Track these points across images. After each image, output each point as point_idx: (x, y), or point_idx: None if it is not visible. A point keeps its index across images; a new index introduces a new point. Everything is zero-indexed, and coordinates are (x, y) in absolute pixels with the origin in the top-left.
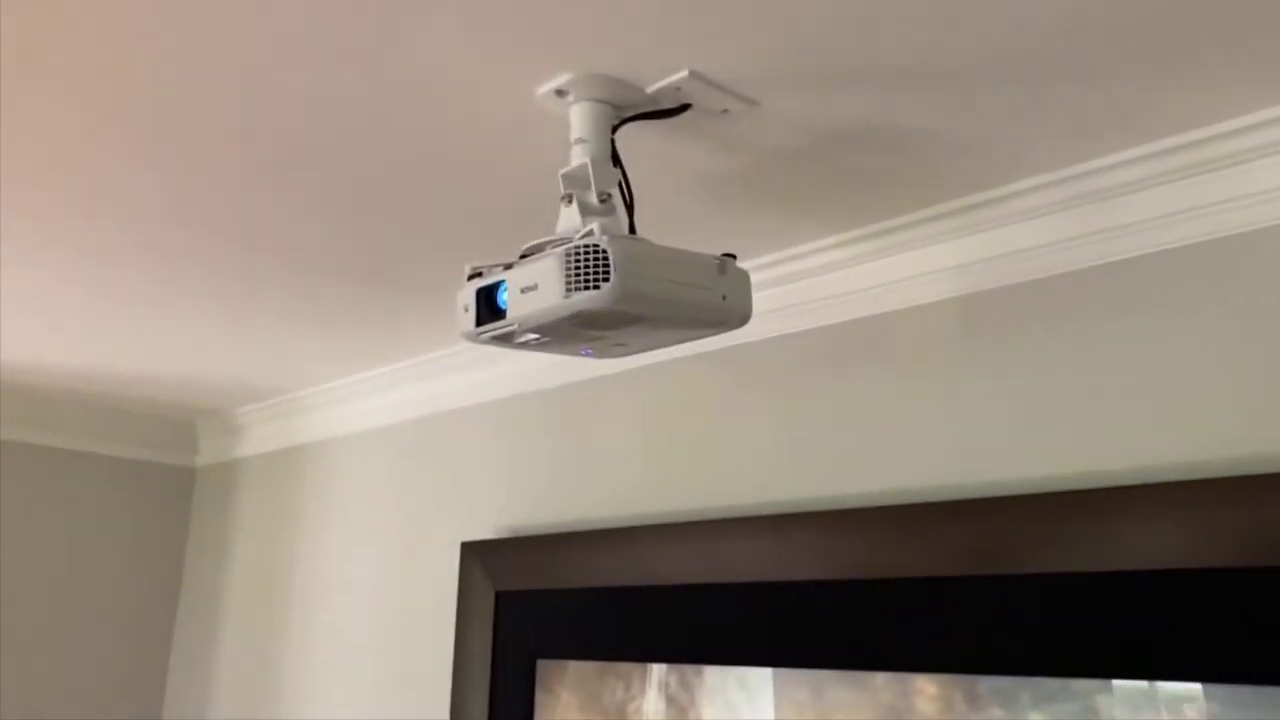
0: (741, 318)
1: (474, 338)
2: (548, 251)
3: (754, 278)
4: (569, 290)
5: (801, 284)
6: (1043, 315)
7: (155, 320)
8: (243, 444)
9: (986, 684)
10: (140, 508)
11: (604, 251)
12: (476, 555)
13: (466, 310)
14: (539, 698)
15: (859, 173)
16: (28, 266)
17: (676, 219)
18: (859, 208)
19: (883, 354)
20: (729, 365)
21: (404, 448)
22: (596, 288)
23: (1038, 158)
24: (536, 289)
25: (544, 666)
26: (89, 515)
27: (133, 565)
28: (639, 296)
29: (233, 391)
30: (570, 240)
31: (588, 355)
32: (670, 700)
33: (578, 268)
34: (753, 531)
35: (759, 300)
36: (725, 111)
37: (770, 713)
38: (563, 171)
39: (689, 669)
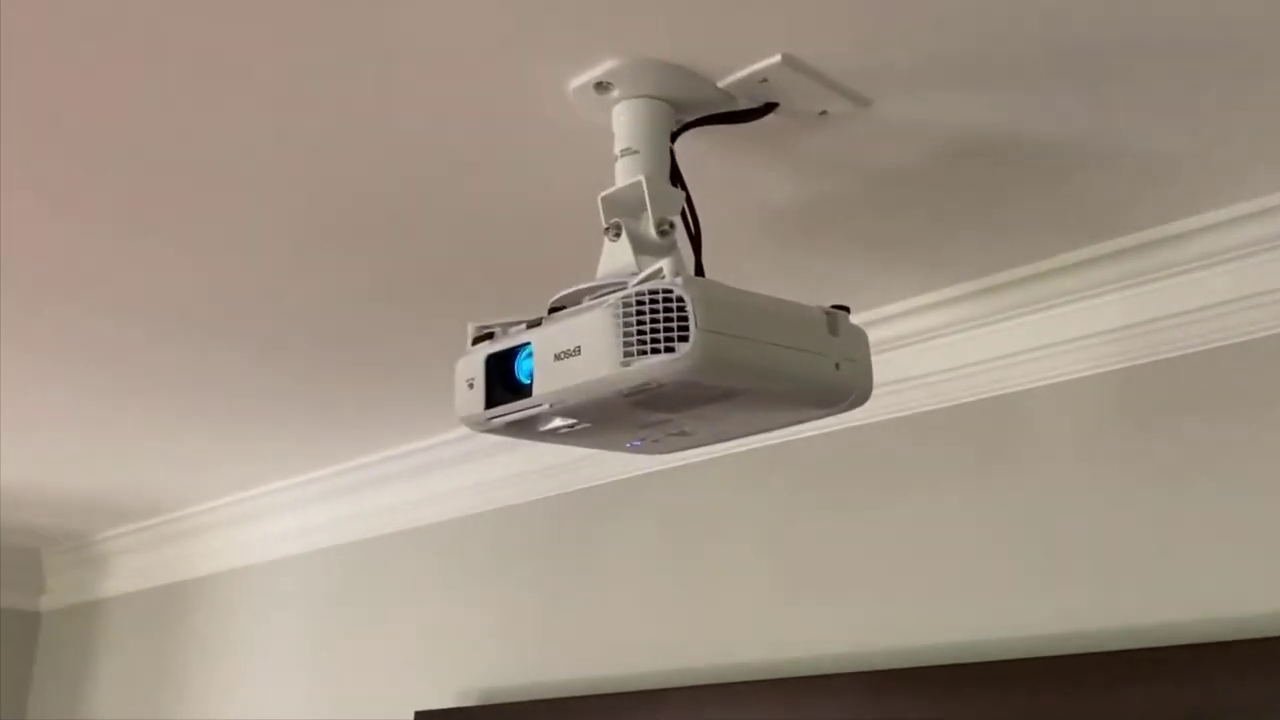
0: (860, 395)
1: (481, 424)
2: (591, 303)
3: None
4: (629, 355)
5: (895, 354)
6: (1235, 396)
7: None
8: (105, 579)
9: None
10: None
11: (679, 300)
12: None
13: (471, 386)
14: None
15: (997, 199)
16: None
17: (737, 263)
18: (984, 250)
19: (1008, 450)
20: (781, 467)
21: (331, 583)
22: (670, 350)
23: (1248, 179)
24: (579, 354)
25: None
26: None
27: None
28: (729, 364)
29: (92, 510)
30: (625, 285)
31: (635, 450)
32: None
33: (643, 324)
34: (831, 693)
35: None
36: (824, 114)
37: None
38: (605, 193)
39: None
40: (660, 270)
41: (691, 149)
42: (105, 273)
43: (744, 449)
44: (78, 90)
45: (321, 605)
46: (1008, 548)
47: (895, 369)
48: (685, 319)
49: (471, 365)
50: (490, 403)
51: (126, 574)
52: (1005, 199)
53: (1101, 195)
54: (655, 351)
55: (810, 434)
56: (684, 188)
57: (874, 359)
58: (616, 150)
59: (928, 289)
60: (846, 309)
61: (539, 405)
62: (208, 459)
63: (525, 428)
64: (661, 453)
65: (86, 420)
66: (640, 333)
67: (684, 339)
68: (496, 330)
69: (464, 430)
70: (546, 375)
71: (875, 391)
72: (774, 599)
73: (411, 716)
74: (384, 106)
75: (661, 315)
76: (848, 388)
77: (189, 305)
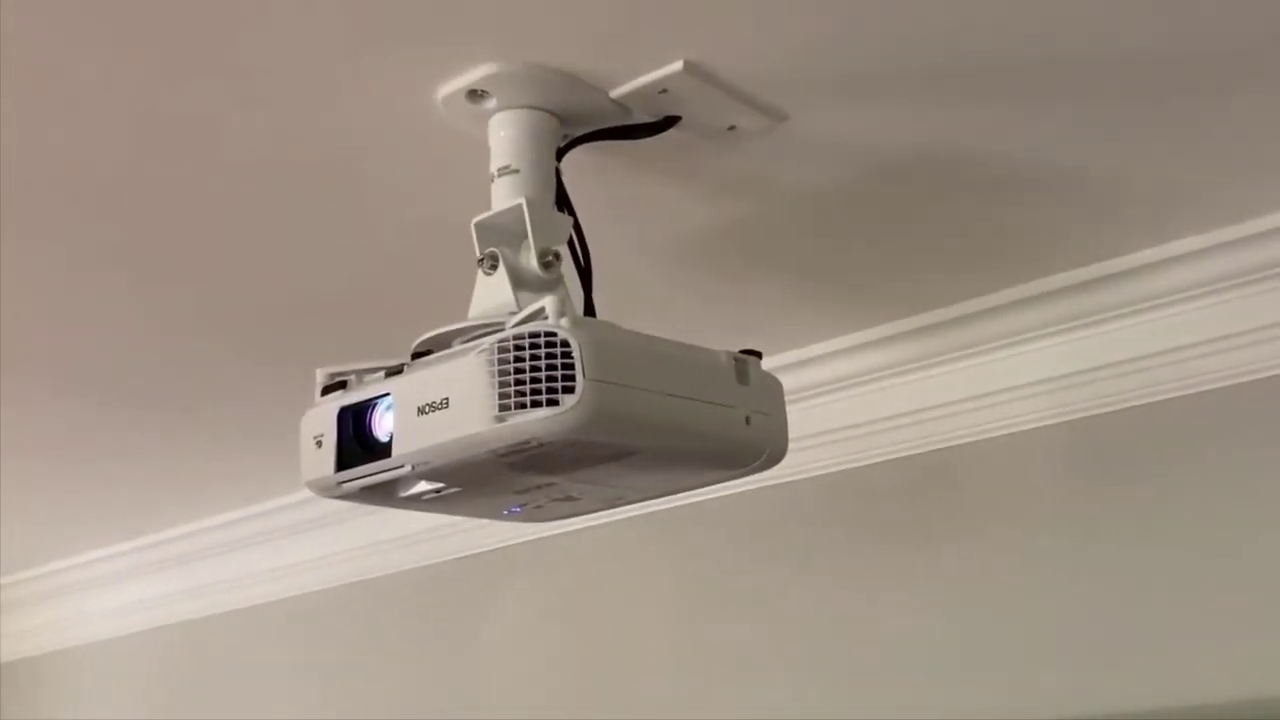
0: (775, 452)
1: (331, 489)
2: (462, 347)
3: None
4: (505, 408)
5: (822, 401)
6: (1193, 447)
7: None
8: None
9: None
10: None
11: (564, 344)
12: None
13: (320, 444)
14: None
15: (930, 228)
16: None
17: (634, 299)
18: (920, 285)
19: (944, 507)
20: (685, 533)
21: (164, 667)
22: (553, 403)
23: (1202, 207)
24: (446, 407)
25: None
26: None
27: None
28: (622, 420)
29: None
30: (501, 327)
31: (513, 517)
32: None
33: (521, 372)
34: None
35: None
36: (733, 129)
37: None
38: (479, 219)
39: None
40: (542, 309)
41: (581, 168)
42: None
43: (643, 511)
44: None
45: (152, 693)
46: (941, 623)
47: (816, 420)
48: (571, 367)
49: (320, 420)
50: (342, 464)
51: None
52: (939, 228)
53: (1044, 225)
54: (536, 405)
55: (720, 494)
56: (571, 213)
57: (791, 410)
58: (493, 169)
59: (851, 329)
60: (758, 354)
61: (399, 467)
62: (23, 521)
63: (383, 493)
64: (544, 520)
65: None
66: (518, 383)
67: (569, 390)
68: (350, 379)
69: (304, 496)
70: (408, 432)
71: (793, 447)
72: (678, 685)
73: None
74: (219, 123)
75: (544, 362)
76: (760, 444)
77: (22, 360)
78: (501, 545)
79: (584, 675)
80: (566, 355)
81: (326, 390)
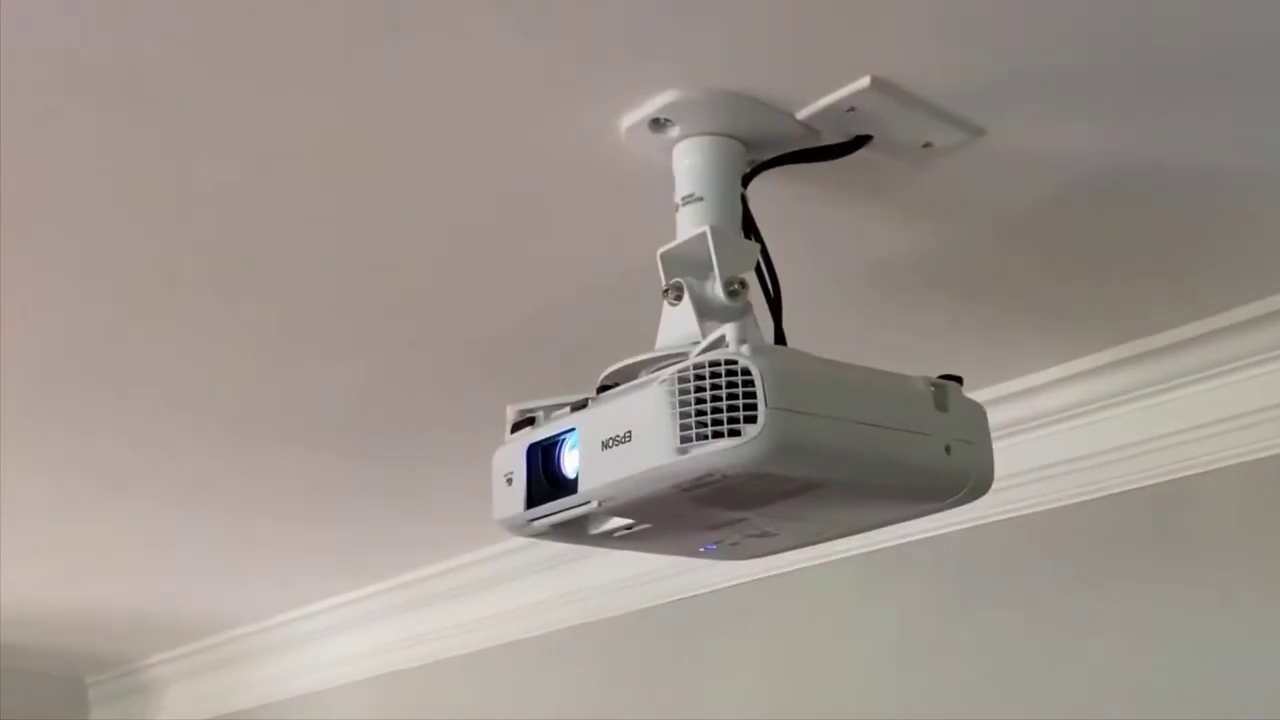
0: (980, 483)
1: (522, 527)
2: (645, 378)
3: None
4: (687, 440)
5: (1042, 434)
6: None
7: (19, 532)
8: (154, 710)
9: None
10: None
11: (745, 372)
12: None
13: (510, 481)
14: None
15: (1149, 243)
16: None
17: (830, 330)
18: (1140, 307)
19: (1181, 548)
20: (910, 570)
21: (401, 710)
22: (735, 434)
23: None
24: (629, 441)
25: None
26: None
27: None
28: (809, 451)
29: (138, 633)
30: (685, 357)
31: (709, 554)
32: None
33: (702, 402)
34: None
35: None
36: (928, 146)
37: None
38: (665, 249)
39: None
40: (723, 337)
41: (770, 195)
42: (144, 374)
43: (859, 551)
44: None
45: None
46: (1177, 665)
47: (1036, 454)
48: (753, 395)
49: (510, 457)
50: (532, 501)
51: (177, 704)
52: (1154, 245)
53: (1271, 238)
54: (717, 435)
55: (938, 531)
56: (759, 240)
57: (1009, 443)
58: (678, 198)
59: (1070, 356)
60: (959, 379)
61: (586, 503)
62: (259, 575)
63: (575, 530)
64: (742, 558)
65: (128, 537)
66: (699, 413)
67: (751, 420)
68: (539, 415)
69: (524, 541)
70: (593, 467)
71: (1012, 483)
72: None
73: None
74: (408, 171)
75: (724, 391)
76: (963, 474)
77: (234, 409)
78: (721, 587)
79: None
80: (748, 384)
81: (516, 427)
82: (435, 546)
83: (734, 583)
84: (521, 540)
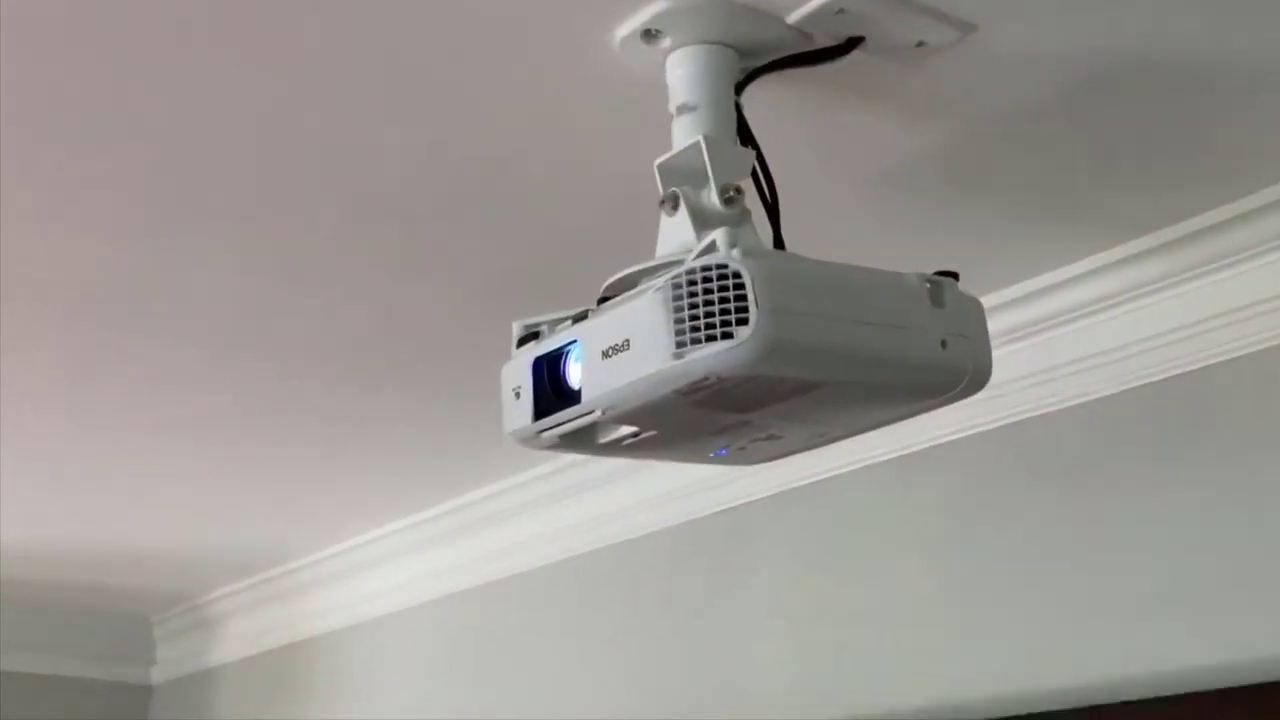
0: (976, 378)
1: (531, 439)
2: (642, 286)
3: None
4: (682, 345)
5: (1055, 334)
6: None
7: (83, 476)
8: (217, 644)
9: None
10: None
11: (735, 275)
12: None
13: (518, 395)
14: None
15: (1141, 139)
16: None
17: (832, 235)
18: (1145, 200)
19: (1201, 440)
20: (938, 473)
21: (453, 634)
22: (728, 336)
23: None
24: (628, 349)
25: None
26: None
27: None
28: (799, 349)
29: (199, 569)
30: (679, 264)
31: (719, 459)
32: None
33: (695, 306)
34: None
35: None
36: (921, 45)
37: None
38: (661, 160)
39: None
40: (714, 243)
41: (766, 101)
42: (189, 319)
43: (889, 456)
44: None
45: (436, 660)
46: (1207, 554)
47: (1050, 354)
48: (743, 298)
49: (517, 371)
50: (539, 413)
51: (238, 638)
52: (1154, 139)
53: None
54: (711, 339)
55: (963, 434)
56: (755, 146)
57: (1023, 344)
58: (672, 107)
59: (1079, 255)
60: (955, 275)
61: (591, 413)
62: (314, 506)
63: (583, 440)
64: (752, 462)
65: (184, 477)
66: (693, 318)
67: (743, 322)
68: (543, 328)
69: (570, 460)
70: (595, 377)
71: (1027, 382)
72: (937, 628)
73: None
74: (409, 98)
75: (716, 295)
76: (959, 369)
77: (279, 348)
78: (754, 499)
79: (839, 621)
80: (739, 286)
81: (521, 342)
82: (482, 471)
83: (769, 493)
84: (565, 461)
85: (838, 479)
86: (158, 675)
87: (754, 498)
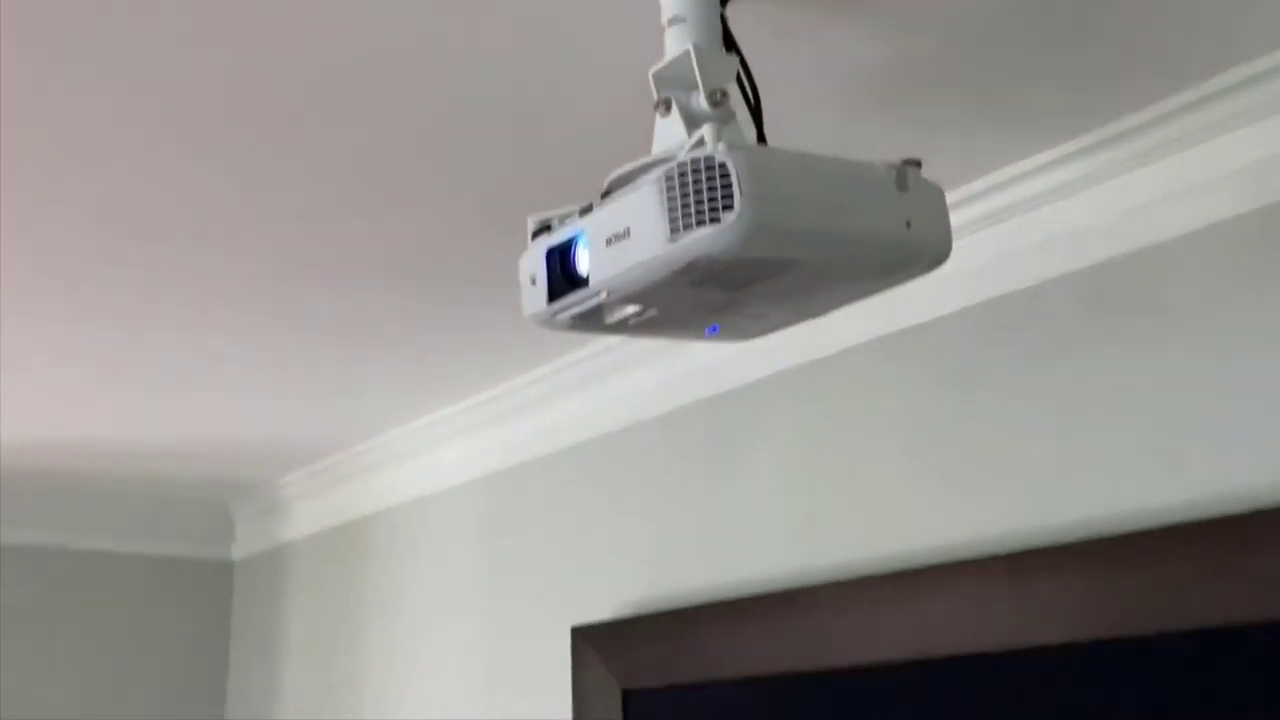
0: (937, 254)
1: (547, 320)
2: (640, 180)
3: None
4: (675, 230)
5: (1011, 225)
6: None
7: (165, 376)
8: (288, 524)
9: None
10: (170, 614)
11: (721, 166)
12: (594, 644)
13: (534, 282)
14: None
15: (1096, 39)
16: (20, 334)
17: (806, 130)
18: (1097, 96)
19: (1144, 310)
20: (916, 352)
21: (488, 509)
22: (715, 221)
23: None
24: (628, 236)
25: None
26: (110, 627)
27: (168, 682)
28: (779, 231)
29: (272, 458)
30: (673, 159)
31: (714, 336)
32: None
33: (686, 194)
34: (977, 581)
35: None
36: None
37: None
38: (655, 69)
39: None
40: (703, 139)
41: (746, 13)
42: (251, 227)
43: (874, 337)
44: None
45: (486, 529)
46: (1139, 418)
47: (1015, 238)
48: (729, 186)
49: (532, 261)
50: (553, 297)
51: (305, 517)
52: (1110, 34)
53: (1212, 20)
54: (701, 224)
55: (946, 313)
56: (739, 54)
57: (990, 232)
58: (663, 20)
59: (1034, 150)
60: (918, 162)
61: (598, 295)
62: (371, 394)
63: (593, 320)
64: (743, 338)
65: (257, 376)
66: (684, 205)
67: (729, 207)
68: (554, 221)
69: (599, 347)
70: (600, 262)
71: (996, 261)
72: (918, 488)
73: (568, 633)
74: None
75: (705, 185)
76: (922, 247)
77: (346, 259)
78: (755, 379)
79: (834, 490)
80: (725, 176)
81: (535, 234)
82: (512, 364)
83: (768, 374)
84: (594, 348)
85: (833, 359)
86: (238, 552)
87: (751, 380)
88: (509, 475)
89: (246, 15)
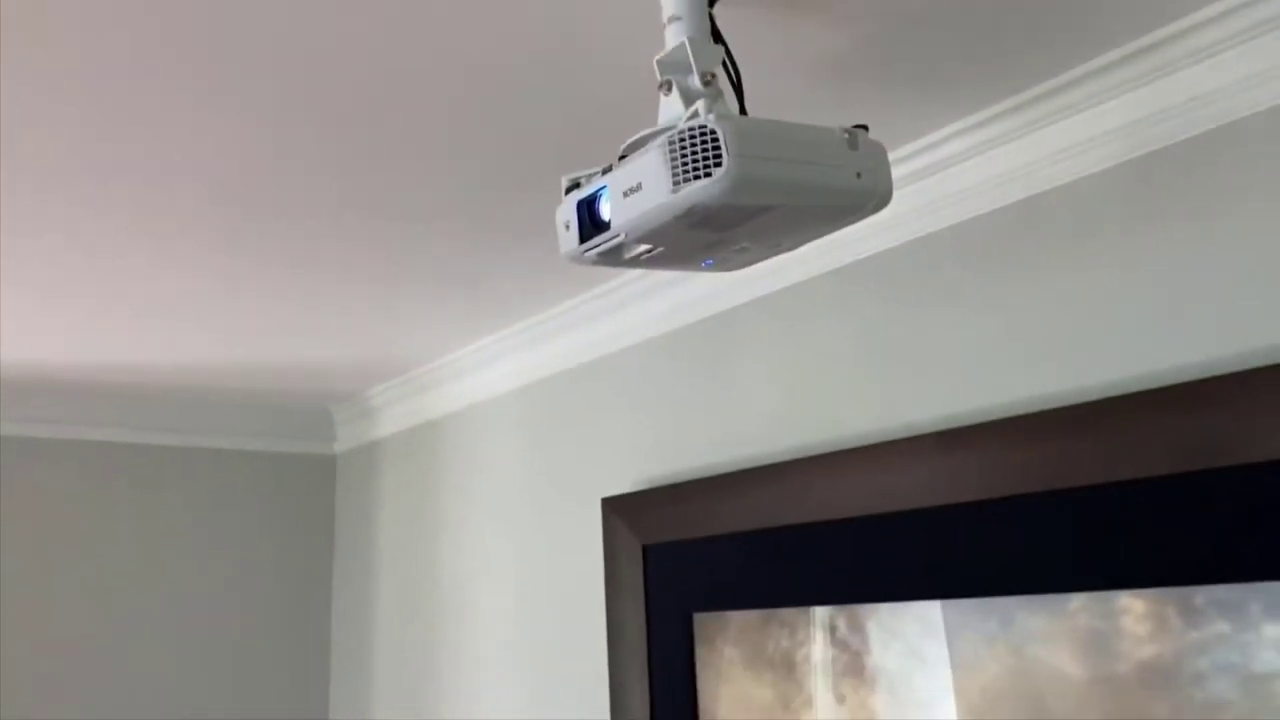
0: (881, 198)
1: (579, 257)
2: (648, 144)
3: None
4: (676, 183)
5: (940, 176)
6: (1243, 165)
7: (277, 306)
8: (378, 425)
9: (1205, 595)
10: (286, 501)
11: (712, 132)
12: (619, 511)
13: (568, 228)
14: (700, 654)
15: (1006, 21)
16: (141, 266)
17: (778, 103)
18: (1004, 74)
19: (1041, 240)
20: (868, 278)
21: (535, 409)
22: (708, 175)
23: None
24: (640, 189)
25: (701, 621)
26: (238, 515)
27: (284, 563)
28: (757, 181)
29: (363, 373)
30: (674, 128)
31: (709, 268)
32: (841, 645)
33: (684, 155)
34: (915, 452)
35: (894, 201)
36: None
37: (950, 649)
38: (658, 57)
39: (860, 609)
40: (697, 111)
41: (730, 10)
42: (345, 171)
43: (833, 268)
44: None
45: (534, 426)
46: (1048, 318)
47: (941, 186)
48: (719, 148)
49: (566, 211)
50: (582, 240)
51: (392, 419)
52: (1015, 26)
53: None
54: (697, 177)
55: (890, 247)
56: (724, 43)
57: (922, 182)
58: (664, 18)
59: (957, 117)
60: (865, 127)
61: (618, 236)
62: (442, 322)
63: (614, 256)
64: (730, 269)
65: (348, 302)
66: (684, 163)
67: (719, 164)
68: (582, 179)
69: (618, 282)
70: (619, 210)
71: (927, 206)
72: (869, 383)
73: (599, 502)
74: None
75: (699, 147)
76: (870, 193)
77: (413, 204)
78: (739, 305)
79: (806, 385)
80: (715, 140)
81: (569, 190)
82: (554, 294)
83: (750, 300)
84: (614, 283)
85: (802, 285)
86: (339, 447)
87: (739, 304)
88: (549, 384)
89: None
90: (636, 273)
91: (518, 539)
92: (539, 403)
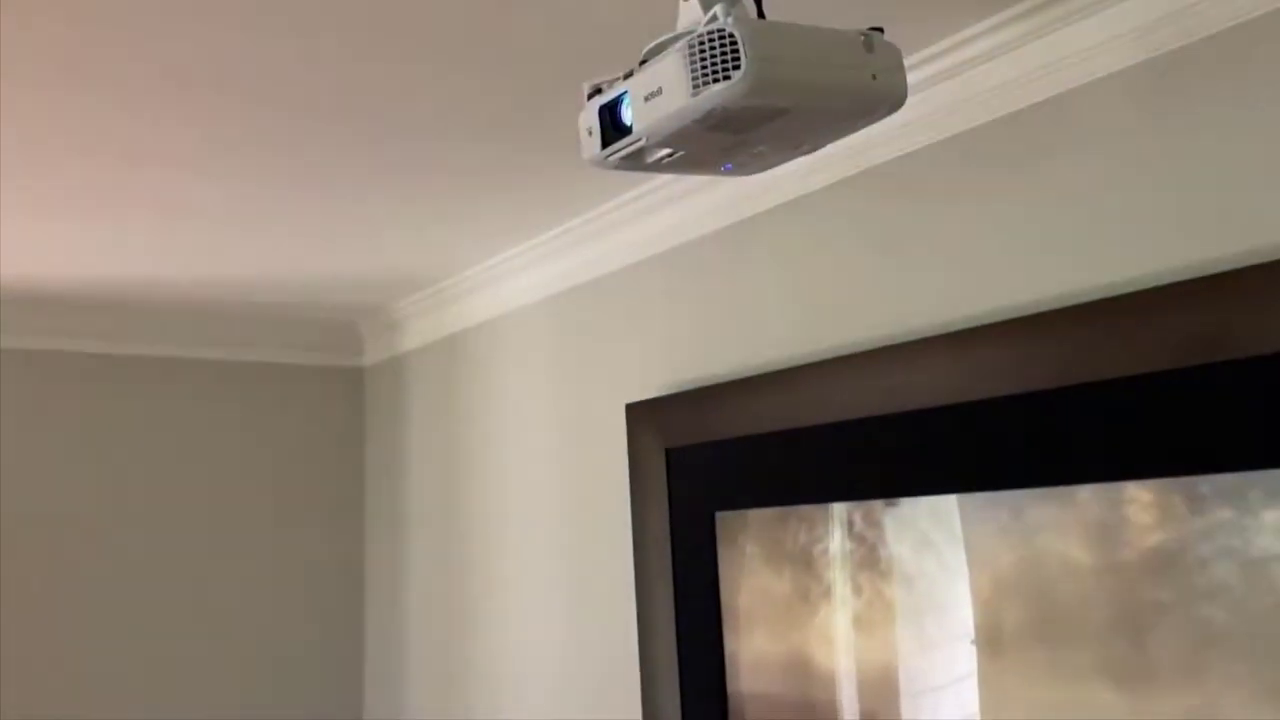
0: (896, 99)
1: (601, 162)
2: (669, 49)
3: None
4: (696, 86)
5: (955, 81)
6: (1255, 65)
7: (303, 220)
8: (406, 339)
9: (1209, 484)
10: (315, 413)
11: (730, 35)
12: (642, 415)
13: (590, 133)
14: (721, 552)
15: None
16: (169, 179)
17: (802, 15)
18: None
19: (1057, 142)
20: (880, 185)
21: (560, 319)
22: (727, 78)
23: None
24: (661, 93)
25: (723, 519)
26: (272, 424)
27: (315, 474)
28: (775, 83)
29: (390, 286)
30: (693, 32)
31: (729, 172)
32: (858, 538)
33: (703, 58)
34: (928, 354)
35: (906, 107)
36: None
37: (964, 541)
38: None
39: (876, 504)
40: (715, 15)
41: None
42: (370, 89)
43: (846, 176)
44: None
45: (558, 336)
46: (1060, 218)
47: (957, 91)
48: (736, 51)
49: (589, 116)
50: (605, 144)
51: (418, 332)
52: None
53: None
54: (716, 80)
55: (901, 154)
56: None
57: (937, 87)
58: None
59: (973, 22)
60: (880, 29)
61: (639, 140)
62: (466, 234)
63: (636, 160)
64: (750, 173)
65: (376, 218)
66: (703, 67)
67: (737, 66)
68: (604, 85)
69: (639, 191)
70: (640, 114)
71: (940, 110)
72: (882, 288)
73: (623, 409)
74: None
75: (718, 50)
76: (885, 95)
77: (439, 124)
78: (750, 215)
79: (821, 293)
80: (733, 43)
81: (590, 95)
82: (576, 203)
83: (764, 209)
84: (636, 192)
85: (818, 193)
86: (367, 360)
87: (757, 212)
88: (573, 294)
89: None
90: (656, 182)
91: (545, 446)
92: (563, 314)
